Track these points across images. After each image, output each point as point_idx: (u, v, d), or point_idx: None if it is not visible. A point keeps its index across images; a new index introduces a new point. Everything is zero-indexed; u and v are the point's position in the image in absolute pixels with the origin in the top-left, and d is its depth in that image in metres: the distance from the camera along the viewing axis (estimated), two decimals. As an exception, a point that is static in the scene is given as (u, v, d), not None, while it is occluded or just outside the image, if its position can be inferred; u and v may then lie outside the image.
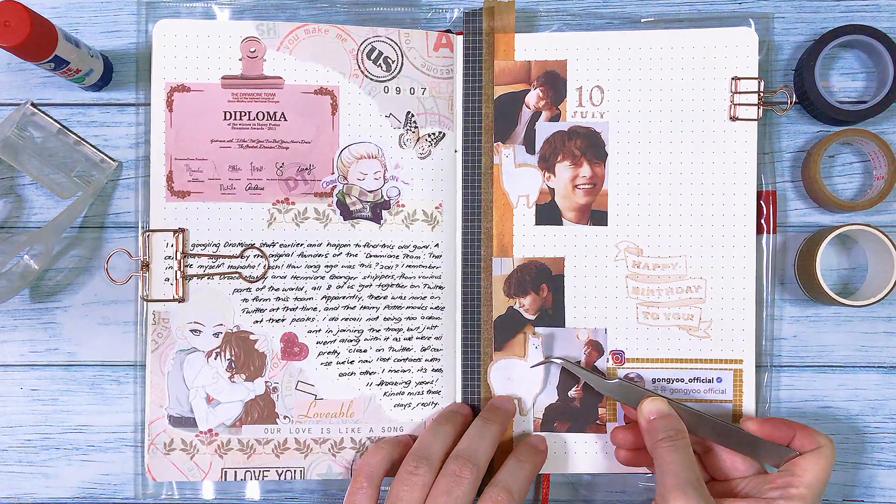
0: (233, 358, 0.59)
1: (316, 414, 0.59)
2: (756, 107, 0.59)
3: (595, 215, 0.60)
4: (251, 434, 0.58)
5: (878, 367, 0.61)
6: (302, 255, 0.59)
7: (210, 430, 0.58)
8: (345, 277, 0.59)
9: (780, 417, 0.56)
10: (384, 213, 0.59)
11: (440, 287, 0.60)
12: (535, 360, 0.59)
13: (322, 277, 0.59)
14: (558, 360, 0.59)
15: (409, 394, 0.59)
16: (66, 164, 0.60)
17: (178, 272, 0.58)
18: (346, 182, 0.59)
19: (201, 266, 0.59)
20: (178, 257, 0.58)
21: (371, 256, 0.59)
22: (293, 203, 0.59)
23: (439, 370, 0.60)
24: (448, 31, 0.60)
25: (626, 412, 0.59)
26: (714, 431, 0.55)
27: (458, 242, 0.60)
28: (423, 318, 0.59)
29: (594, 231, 0.60)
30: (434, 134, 0.60)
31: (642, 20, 0.61)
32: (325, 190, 0.59)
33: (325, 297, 0.59)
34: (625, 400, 0.57)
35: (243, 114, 0.59)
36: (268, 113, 0.59)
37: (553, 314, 0.60)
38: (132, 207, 0.61)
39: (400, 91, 0.59)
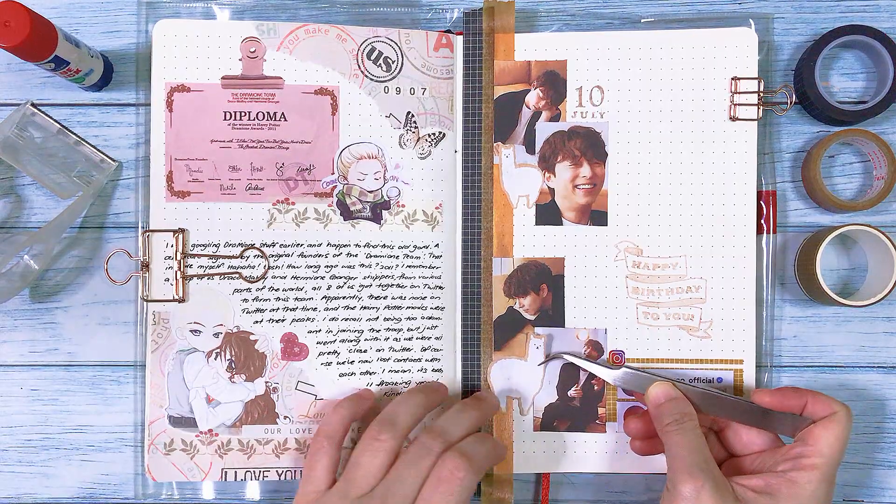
0: (233, 358, 0.59)
1: (316, 414, 0.59)
2: (756, 107, 0.59)
3: (595, 215, 0.60)
4: (251, 434, 0.58)
5: (878, 367, 0.61)
6: (302, 255, 0.59)
7: (210, 431, 0.58)
8: (345, 278, 0.59)
9: (791, 386, 0.55)
10: (384, 213, 0.59)
11: (440, 287, 0.60)
12: (536, 361, 0.60)
13: (322, 278, 0.59)
14: (566, 356, 0.59)
15: (410, 394, 0.59)
16: (66, 164, 0.60)
17: (178, 272, 0.58)
18: (346, 182, 0.59)
19: (201, 266, 0.59)
20: (178, 257, 0.58)
21: (371, 257, 0.59)
22: (293, 203, 0.59)
23: (439, 370, 0.60)
24: (448, 31, 0.60)
25: (638, 399, 0.59)
26: (725, 409, 0.55)
27: (458, 242, 0.60)
28: (423, 318, 0.59)
29: (594, 231, 0.60)
30: (434, 134, 0.60)
31: (642, 20, 0.61)
32: (325, 190, 0.59)
33: (325, 297, 0.59)
34: (633, 387, 0.57)
35: (243, 114, 0.59)
36: (268, 113, 0.59)
37: (553, 314, 0.60)
38: (132, 207, 0.61)
39: (400, 91, 0.59)
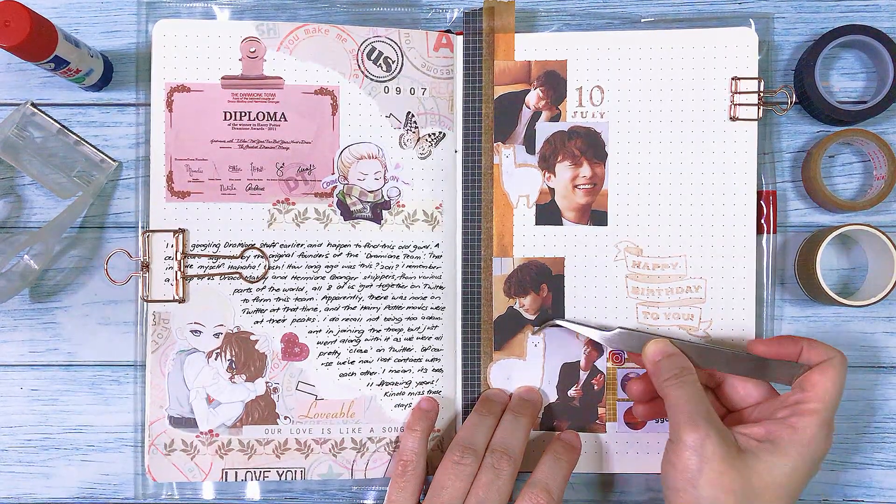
0: (233, 358, 0.59)
1: (316, 414, 0.59)
2: (756, 107, 0.59)
3: (595, 215, 0.60)
4: (252, 434, 0.58)
5: (878, 367, 0.61)
6: (302, 255, 0.59)
7: (210, 431, 0.58)
8: (345, 278, 0.59)
9: (786, 334, 0.55)
10: (384, 213, 0.59)
11: (440, 287, 0.60)
12: (535, 360, 0.59)
13: (322, 278, 0.59)
14: (559, 322, 0.59)
15: (410, 394, 0.59)
16: (66, 164, 0.60)
17: (179, 272, 0.58)
18: (346, 182, 0.59)
19: (201, 266, 0.59)
20: (179, 258, 0.58)
21: (371, 256, 0.59)
22: (293, 203, 0.59)
23: (440, 370, 0.60)
24: (448, 31, 0.60)
25: (634, 360, 0.59)
26: (721, 361, 0.55)
27: (459, 242, 0.60)
28: (423, 318, 0.59)
29: (594, 231, 0.60)
30: (434, 134, 0.60)
31: (642, 20, 0.61)
32: (325, 190, 0.59)
33: (325, 297, 0.59)
34: (628, 347, 0.57)
35: (243, 114, 0.59)
36: (268, 113, 0.59)
37: (553, 314, 0.60)
38: (132, 207, 0.61)
39: (400, 91, 0.59)
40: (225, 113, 0.59)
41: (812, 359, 0.52)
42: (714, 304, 0.59)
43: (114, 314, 0.61)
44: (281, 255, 0.59)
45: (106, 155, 0.61)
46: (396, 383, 0.59)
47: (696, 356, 0.55)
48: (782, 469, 0.49)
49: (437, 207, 0.60)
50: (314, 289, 0.59)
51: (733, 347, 0.57)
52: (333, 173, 0.59)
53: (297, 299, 0.59)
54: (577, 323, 0.59)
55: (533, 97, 0.60)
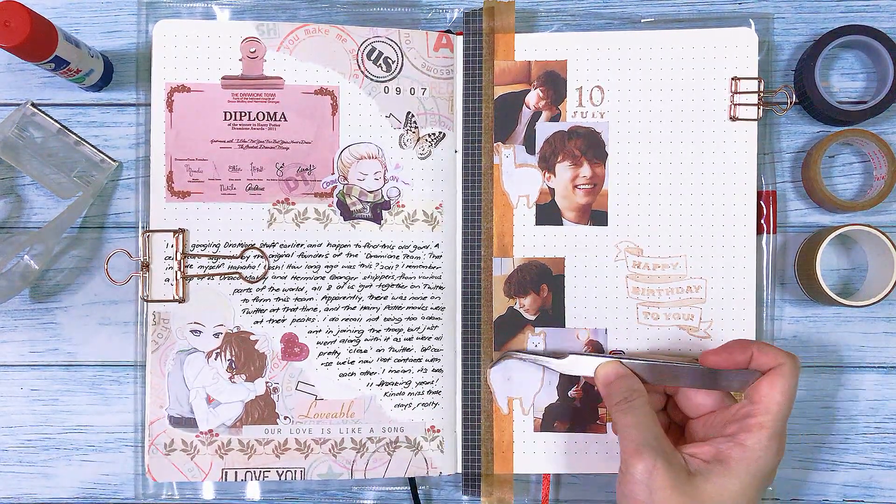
0: (233, 358, 0.59)
1: (316, 414, 0.59)
2: (756, 107, 0.59)
3: (595, 215, 0.60)
4: (251, 434, 0.58)
5: (878, 367, 0.61)
6: (302, 255, 0.59)
7: (210, 431, 0.58)
8: (345, 278, 0.59)
9: (736, 340, 0.54)
10: (384, 213, 0.59)
11: (440, 287, 0.60)
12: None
13: (322, 278, 0.59)
14: (515, 354, 0.59)
15: (410, 394, 0.59)
16: (66, 164, 0.60)
17: (179, 272, 0.58)
18: (346, 182, 0.59)
19: (201, 266, 0.59)
20: (179, 258, 0.58)
21: (371, 257, 0.59)
22: (293, 203, 0.59)
23: (439, 370, 0.60)
24: (448, 31, 0.60)
25: (590, 382, 0.58)
26: (674, 377, 0.54)
27: (459, 242, 0.60)
28: (423, 318, 0.59)
29: (594, 231, 0.60)
30: (434, 134, 0.60)
31: (642, 20, 0.61)
32: (325, 190, 0.59)
33: (325, 297, 0.59)
34: (582, 373, 0.56)
35: (243, 114, 0.59)
36: (268, 113, 0.59)
37: (553, 314, 0.60)
38: (132, 207, 0.61)
39: (400, 91, 0.59)
40: (225, 113, 0.59)
41: (763, 365, 0.51)
42: (714, 305, 0.59)
43: (114, 314, 0.61)
44: (281, 255, 0.59)
45: (106, 155, 0.61)
46: (396, 383, 0.59)
47: (647, 374, 0.54)
48: (733, 488, 0.48)
49: (437, 207, 0.60)
50: (314, 289, 0.59)
51: (686, 359, 0.56)
52: (333, 173, 0.59)
53: (296, 299, 0.59)
54: (530, 353, 0.59)
55: (533, 97, 0.60)
